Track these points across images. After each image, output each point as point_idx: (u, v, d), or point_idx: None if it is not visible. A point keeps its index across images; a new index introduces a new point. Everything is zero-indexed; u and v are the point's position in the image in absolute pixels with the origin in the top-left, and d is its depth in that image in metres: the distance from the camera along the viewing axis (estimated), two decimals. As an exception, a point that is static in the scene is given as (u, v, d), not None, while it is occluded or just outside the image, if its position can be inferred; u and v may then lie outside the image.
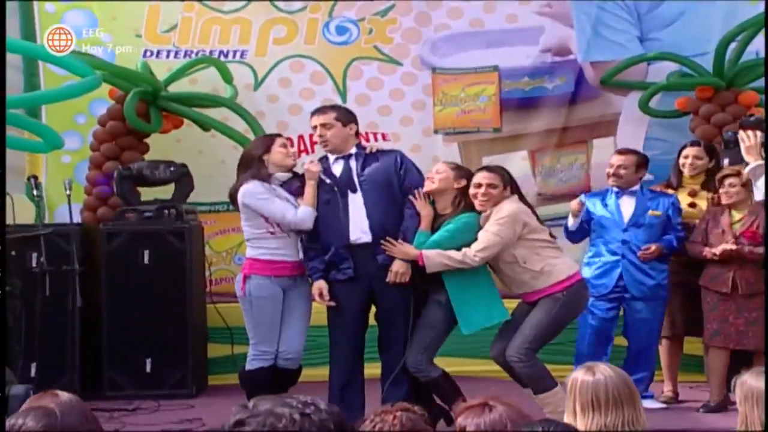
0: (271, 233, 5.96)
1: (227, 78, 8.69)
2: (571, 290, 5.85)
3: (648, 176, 7.13)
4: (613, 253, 6.70)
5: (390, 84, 8.92)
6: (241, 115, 8.43)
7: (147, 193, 7.90)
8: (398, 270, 5.84)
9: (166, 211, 7.42)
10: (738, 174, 6.53)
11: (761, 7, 8.28)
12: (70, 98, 7.86)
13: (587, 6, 8.79)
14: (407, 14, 8.92)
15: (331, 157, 6.05)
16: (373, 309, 6.14)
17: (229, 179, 8.74)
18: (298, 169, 6.21)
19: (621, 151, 7.00)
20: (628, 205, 6.78)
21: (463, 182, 5.95)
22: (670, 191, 7.04)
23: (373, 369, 6.18)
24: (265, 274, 5.96)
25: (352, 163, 5.98)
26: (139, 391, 7.29)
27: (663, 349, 7.02)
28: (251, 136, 8.25)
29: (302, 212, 5.91)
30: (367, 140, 8.15)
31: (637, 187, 6.83)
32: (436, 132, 8.86)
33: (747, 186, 6.42)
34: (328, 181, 5.95)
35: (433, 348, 5.94)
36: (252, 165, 6.07)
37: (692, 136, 8.00)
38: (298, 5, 8.93)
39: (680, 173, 7.12)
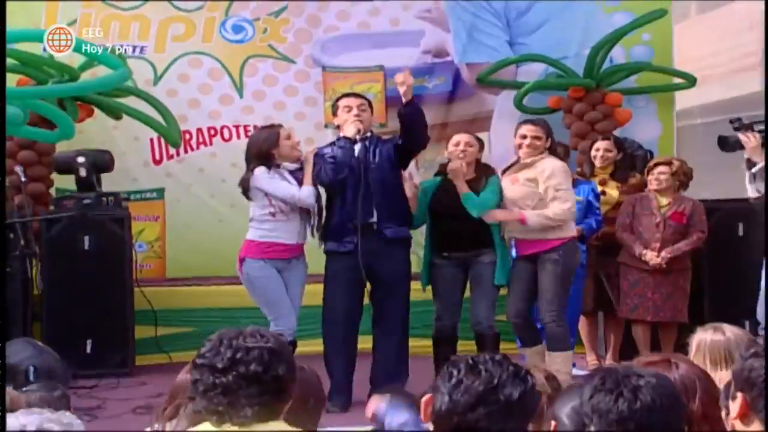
0: (272, 214, 6.52)
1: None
2: (566, 248, 6.58)
3: None
4: None
5: (284, 81, 9.47)
6: (152, 103, 8.72)
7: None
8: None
9: (104, 199, 7.69)
10: (669, 163, 7.35)
11: (617, 18, 9.36)
12: (99, 90, 8.16)
13: (462, 13, 9.60)
14: (299, 15, 9.49)
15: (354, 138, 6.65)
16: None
17: (129, 171, 9.13)
18: None
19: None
20: None
21: (481, 153, 6.94)
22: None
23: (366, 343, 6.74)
24: (257, 257, 6.53)
25: (368, 145, 6.65)
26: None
27: (582, 324, 7.75)
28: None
29: (305, 189, 6.53)
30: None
31: None
32: (326, 126, 9.37)
33: (676, 175, 7.27)
34: (344, 161, 6.59)
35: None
36: (262, 157, 6.60)
37: (565, 132, 8.92)
38: (195, 4, 9.32)
39: (592, 164, 7.80)
